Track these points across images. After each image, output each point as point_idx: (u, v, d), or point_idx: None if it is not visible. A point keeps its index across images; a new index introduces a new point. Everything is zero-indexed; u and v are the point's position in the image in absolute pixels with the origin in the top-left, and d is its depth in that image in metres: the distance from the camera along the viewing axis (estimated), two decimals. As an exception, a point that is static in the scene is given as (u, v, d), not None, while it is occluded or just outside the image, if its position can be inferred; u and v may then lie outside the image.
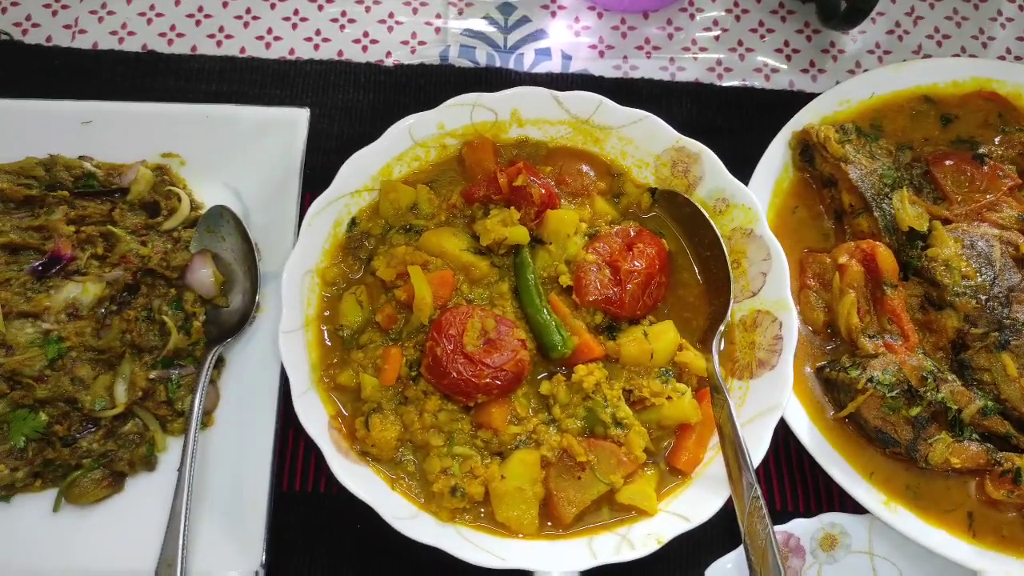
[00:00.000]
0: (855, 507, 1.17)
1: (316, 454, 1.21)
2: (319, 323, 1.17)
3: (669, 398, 1.11)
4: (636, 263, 1.17)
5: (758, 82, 1.54)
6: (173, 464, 1.19)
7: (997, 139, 1.39)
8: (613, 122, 1.26)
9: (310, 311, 1.16)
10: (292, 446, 1.23)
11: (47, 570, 1.10)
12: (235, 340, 1.24)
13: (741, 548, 1.13)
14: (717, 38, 1.58)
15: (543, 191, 1.19)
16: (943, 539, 1.14)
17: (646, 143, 1.26)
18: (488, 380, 1.07)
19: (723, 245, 1.19)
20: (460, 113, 1.25)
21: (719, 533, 1.17)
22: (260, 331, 1.25)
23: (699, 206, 1.22)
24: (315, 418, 1.07)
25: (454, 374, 1.07)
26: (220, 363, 1.24)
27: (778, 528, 1.15)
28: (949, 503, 1.17)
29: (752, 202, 1.20)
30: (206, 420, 1.21)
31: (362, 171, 1.21)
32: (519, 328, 1.13)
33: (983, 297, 1.21)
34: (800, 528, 1.17)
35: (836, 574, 1.17)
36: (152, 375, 1.21)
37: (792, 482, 1.24)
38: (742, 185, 1.21)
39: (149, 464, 1.19)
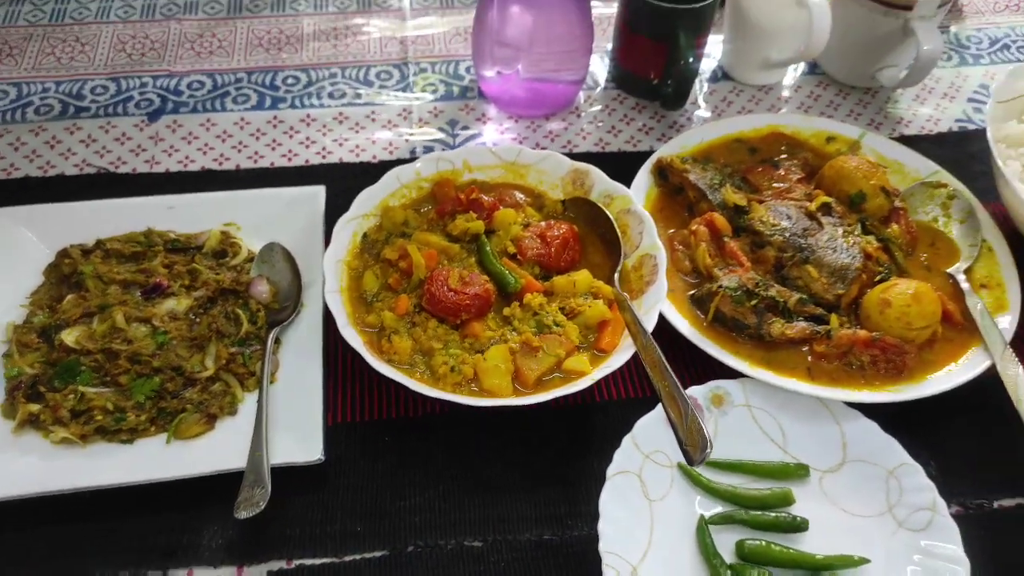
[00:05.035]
0: (730, 376, 1.68)
1: (351, 400, 1.71)
2: (349, 291, 1.71)
3: (590, 306, 1.66)
4: (555, 232, 1.77)
5: (629, 148, 2.26)
6: (249, 410, 1.65)
7: (784, 156, 2.10)
8: (531, 160, 1.92)
9: (342, 283, 1.71)
10: (332, 397, 1.71)
11: (165, 476, 1.52)
12: (287, 326, 1.76)
13: (659, 407, 1.63)
14: (597, 127, 2.31)
15: (490, 199, 1.82)
16: (793, 385, 1.65)
17: (553, 171, 1.92)
18: (468, 302, 1.62)
19: (613, 222, 1.81)
20: (430, 163, 1.90)
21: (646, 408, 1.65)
22: (304, 321, 1.77)
23: (595, 202, 1.86)
24: (354, 341, 1.58)
25: (445, 301, 1.61)
26: (277, 342, 1.75)
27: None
28: (792, 363, 1.69)
29: (627, 192, 1.84)
30: (272, 379, 1.69)
31: (368, 202, 1.82)
32: (484, 277, 1.70)
33: (787, 234, 1.83)
34: (696, 392, 1.65)
35: (727, 423, 1.64)
36: (231, 351, 1.71)
37: (686, 366, 1.76)
38: (619, 184, 1.86)
39: (232, 410, 1.64)
